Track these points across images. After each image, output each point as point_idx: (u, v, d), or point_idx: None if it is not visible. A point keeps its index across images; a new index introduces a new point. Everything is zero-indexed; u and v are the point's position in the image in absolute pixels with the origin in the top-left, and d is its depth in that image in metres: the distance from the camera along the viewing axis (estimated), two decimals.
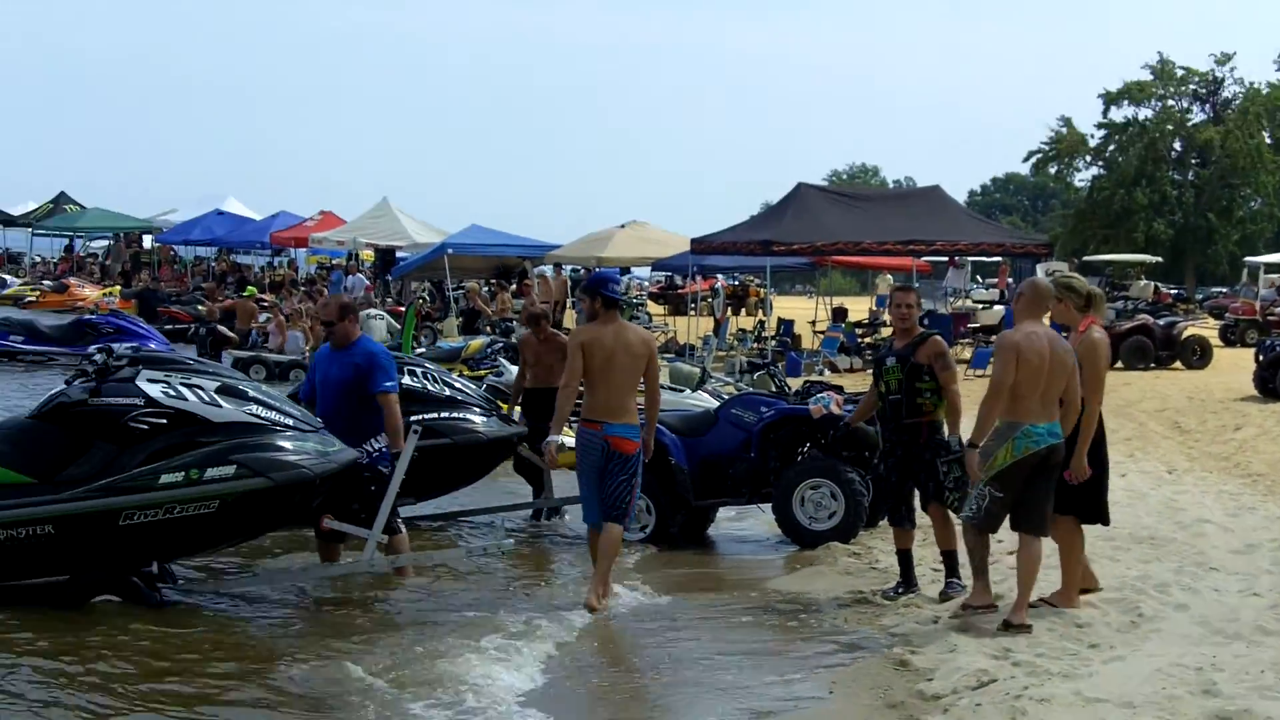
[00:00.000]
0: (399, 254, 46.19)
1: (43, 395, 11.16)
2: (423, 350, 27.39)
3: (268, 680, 8.99)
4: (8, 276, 59.22)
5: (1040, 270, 33.68)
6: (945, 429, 11.00)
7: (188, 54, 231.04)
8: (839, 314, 39.16)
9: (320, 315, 12.59)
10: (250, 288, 39.54)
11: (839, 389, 14.76)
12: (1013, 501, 9.82)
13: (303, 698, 8.68)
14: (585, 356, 10.93)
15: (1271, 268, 45.38)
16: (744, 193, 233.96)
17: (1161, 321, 32.07)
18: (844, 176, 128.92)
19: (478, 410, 14.47)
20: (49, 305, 47.72)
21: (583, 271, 41.79)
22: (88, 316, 34.65)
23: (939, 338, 11.33)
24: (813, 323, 38.41)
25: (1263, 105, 75.26)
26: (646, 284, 57.66)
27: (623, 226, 40.75)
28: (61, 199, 69.50)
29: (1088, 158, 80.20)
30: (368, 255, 49.18)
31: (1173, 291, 54.12)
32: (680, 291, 48.11)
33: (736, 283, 50.66)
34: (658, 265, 42.96)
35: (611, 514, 11.01)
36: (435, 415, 13.96)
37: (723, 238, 33.90)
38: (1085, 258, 60.98)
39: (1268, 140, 75.59)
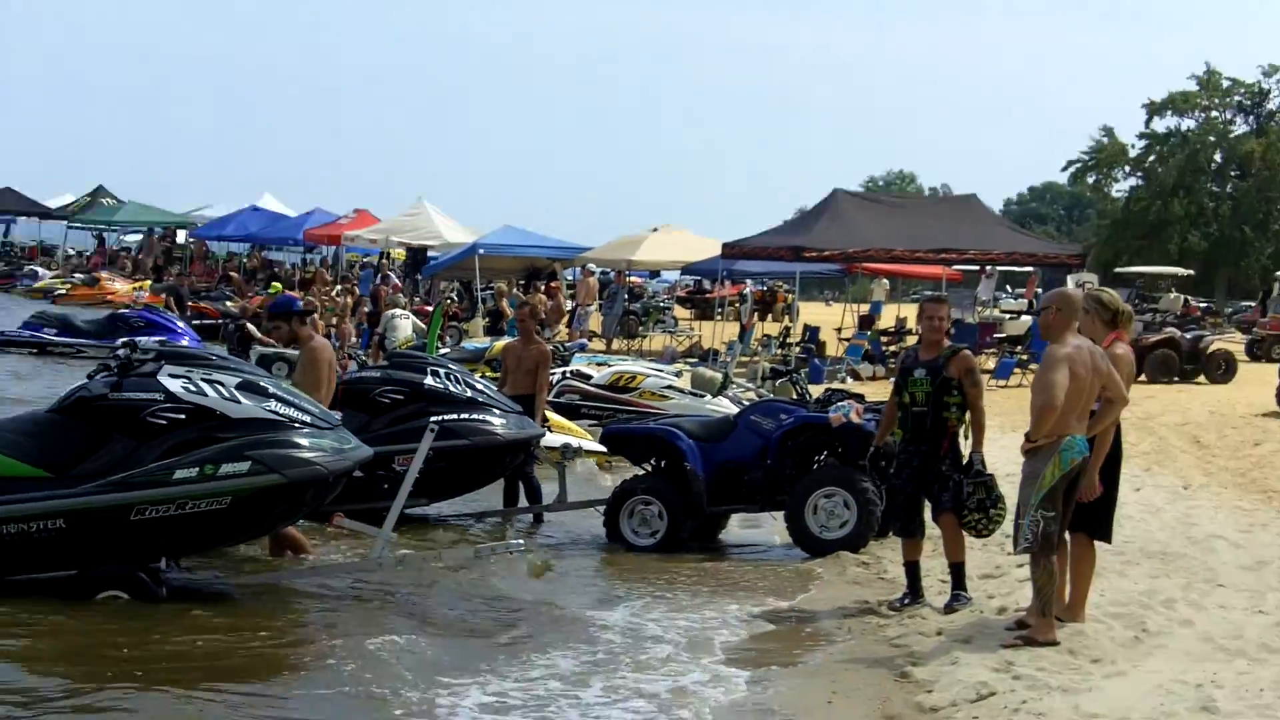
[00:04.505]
0: (430, 253, 46.29)
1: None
2: (447, 350, 27.50)
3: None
4: (40, 269, 59.54)
5: (1070, 281, 33.55)
6: (965, 444, 10.99)
7: (228, 51, 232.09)
8: (865, 321, 39.13)
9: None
10: (276, 284, 39.64)
11: (860, 397, 14.76)
12: (1062, 516, 9.75)
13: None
14: None
15: None
16: (779, 198, 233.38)
17: (1188, 335, 31.98)
18: (880, 183, 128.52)
19: (497, 411, 14.55)
20: (79, 298, 47.91)
21: (613, 274, 41.87)
22: (123, 311, 34.87)
23: (968, 352, 11.31)
24: (839, 330, 38.38)
25: None
26: (669, 286, 57.71)
27: (654, 230, 40.78)
28: (99, 192, 69.72)
29: (1127, 168, 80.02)
30: (399, 254, 49.30)
31: (1202, 305, 53.91)
32: (708, 296, 48.14)
33: (765, 288, 50.66)
34: (687, 269, 42.98)
35: None
36: (455, 416, 14.06)
37: (754, 243, 33.95)
38: (1116, 269, 60.80)
39: None
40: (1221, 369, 30.99)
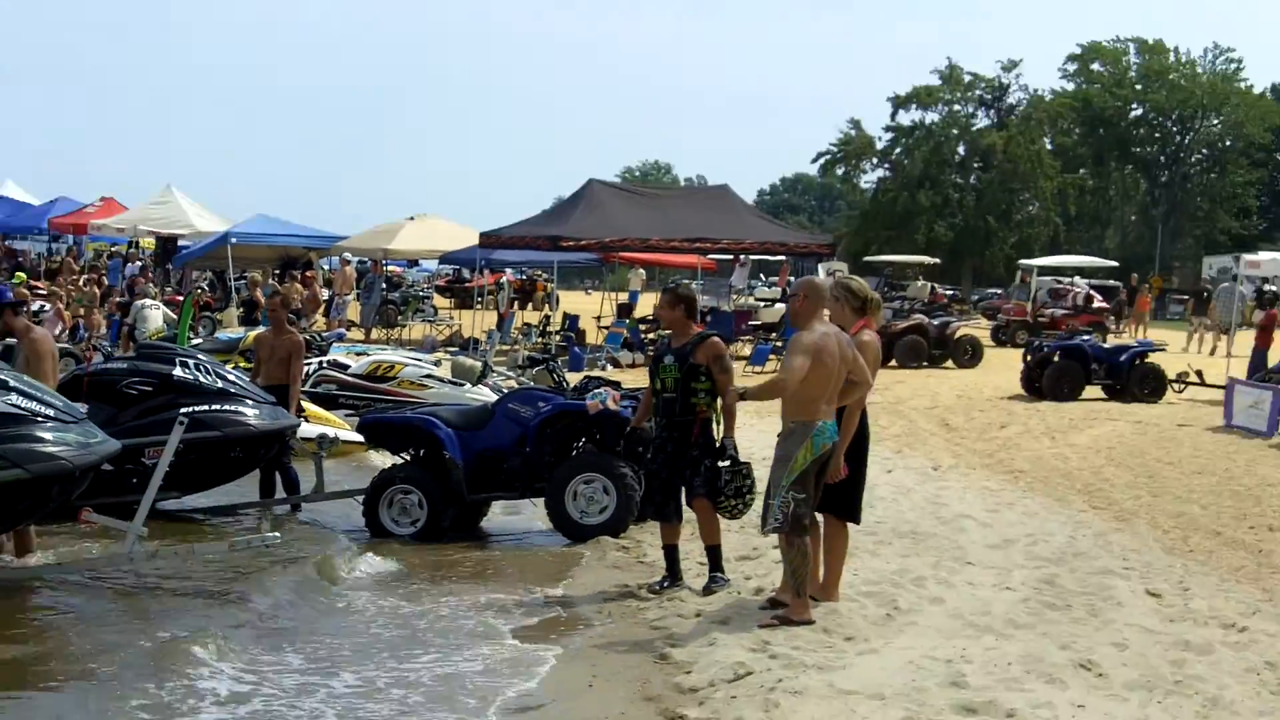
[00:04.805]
0: (181, 242, 45.25)
1: None
2: (200, 341, 26.92)
3: None
4: None
5: (821, 269, 34.34)
6: (717, 429, 11.10)
7: None
8: (624, 310, 39.43)
9: None
10: (20, 274, 38.36)
11: (617, 384, 14.83)
12: (812, 498, 9.92)
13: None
14: None
15: (1044, 270, 46.73)
16: (537, 188, 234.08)
17: (935, 321, 32.91)
18: (637, 174, 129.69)
19: (250, 402, 14.29)
20: None
21: (370, 263, 41.47)
22: None
23: (717, 339, 11.40)
24: (598, 318, 38.60)
25: (1045, 112, 78.00)
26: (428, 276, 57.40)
27: (411, 219, 40.49)
28: None
29: (874, 160, 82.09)
30: (148, 243, 48.10)
31: (948, 292, 55.48)
32: (467, 285, 48.00)
33: (524, 277, 50.73)
34: (445, 258, 42.81)
35: None
36: (206, 408, 13.77)
37: (511, 232, 33.99)
38: (866, 258, 62.23)
39: (1048, 146, 78.34)
40: (968, 354, 31.98)
